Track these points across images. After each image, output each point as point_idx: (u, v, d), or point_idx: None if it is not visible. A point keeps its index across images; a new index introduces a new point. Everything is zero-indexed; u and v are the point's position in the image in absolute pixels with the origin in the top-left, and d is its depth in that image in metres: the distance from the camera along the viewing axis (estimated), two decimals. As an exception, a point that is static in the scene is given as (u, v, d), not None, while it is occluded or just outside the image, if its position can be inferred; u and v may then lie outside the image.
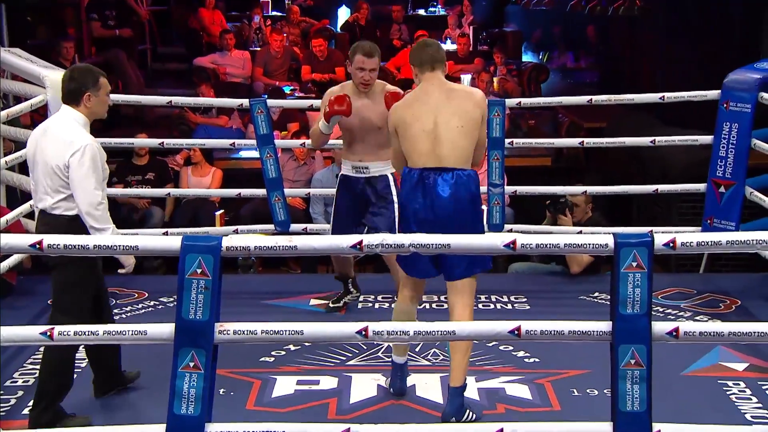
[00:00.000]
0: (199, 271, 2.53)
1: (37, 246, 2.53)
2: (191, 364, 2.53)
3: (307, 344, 4.60)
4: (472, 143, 3.68)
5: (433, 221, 3.60)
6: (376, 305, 5.25)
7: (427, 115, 3.66)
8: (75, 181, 3.49)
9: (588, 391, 4.06)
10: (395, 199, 4.53)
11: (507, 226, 5.73)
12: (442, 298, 5.27)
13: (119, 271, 3.69)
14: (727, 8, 7.83)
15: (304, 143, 6.29)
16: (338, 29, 11.47)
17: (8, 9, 7.40)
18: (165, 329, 2.59)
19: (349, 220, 4.63)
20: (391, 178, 4.57)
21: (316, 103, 6.85)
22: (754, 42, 7.20)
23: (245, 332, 2.61)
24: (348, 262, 5.01)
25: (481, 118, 3.70)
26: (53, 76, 5.19)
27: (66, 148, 3.51)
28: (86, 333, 2.67)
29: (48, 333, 2.59)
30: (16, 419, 3.74)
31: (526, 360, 4.48)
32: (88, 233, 3.46)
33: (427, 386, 4.16)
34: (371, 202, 4.60)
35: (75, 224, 3.53)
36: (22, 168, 4.92)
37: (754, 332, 2.59)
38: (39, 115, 5.45)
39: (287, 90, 8.85)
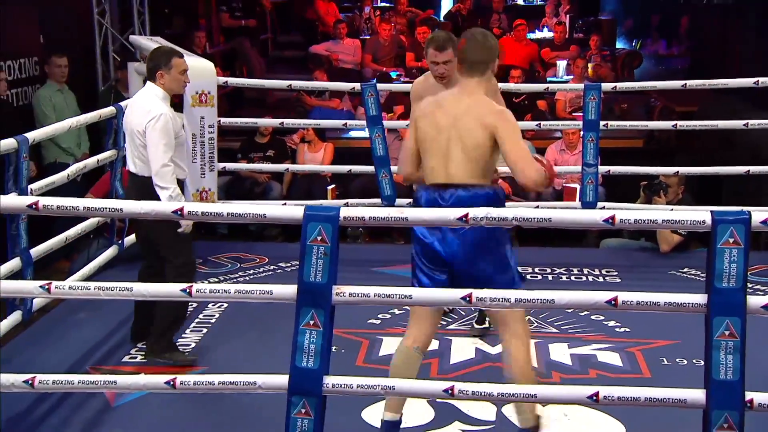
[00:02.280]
0: (319, 238, 2.55)
1: (34, 206, 2.59)
2: (311, 322, 2.57)
3: (408, 308, 4.61)
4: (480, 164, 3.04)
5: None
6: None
7: (440, 128, 3.07)
8: (149, 143, 3.73)
9: (677, 360, 3.95)
10: None
11: (599, 204, 5.60)
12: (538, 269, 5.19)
13: (178, 230, 3.83)
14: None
15: (409, 124, 6.27)
16: (442, 19, 11.37)
17: (149, 1, 7.63)
18: (288, 290, 2.63)
19: None
20: None
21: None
22: None
23: (360, 295, 2.63)
24: None
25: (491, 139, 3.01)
26: (188, 62, 5.31)
27: (144, 116, 3.76)
28: (219, 291, 2.73)
29: (188, 290, 2.67)
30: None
31: (617, 329, 4.39)
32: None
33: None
34: None
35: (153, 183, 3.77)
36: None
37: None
38: (176, 97, 5.62)
39: (394, 75, 8.83)
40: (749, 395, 2.49)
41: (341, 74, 8.52)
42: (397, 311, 4.63)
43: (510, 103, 7.92)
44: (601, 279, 5.22)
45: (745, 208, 2.59)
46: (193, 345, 4.21)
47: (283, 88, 6.49)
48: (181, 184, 3.89)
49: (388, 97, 8.07)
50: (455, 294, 2.67)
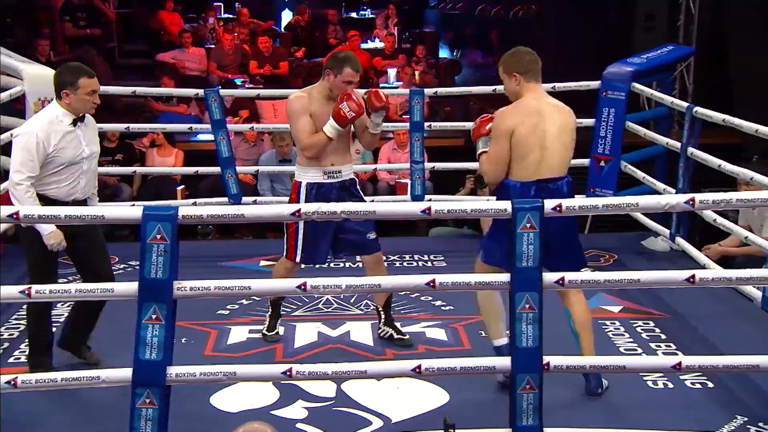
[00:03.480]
0: (158, 236, 2.49)
1: (14, 216, 2.44)
2: (153, 317, 2.49)
3: (257, 299, 4.58)
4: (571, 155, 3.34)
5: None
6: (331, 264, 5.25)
7: (542, 131, 3.23)
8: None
9: (479, 332, 4.12)
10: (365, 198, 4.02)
11: (427, 197, 5.77)
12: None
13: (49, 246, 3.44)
14: (605, 10, 7.96)
15: (252, 127, 6.24)
16: (282, 29, 11.31)
17: (-11, 11, 7.10)
18: (130, 287, 2.54)
19: (326, 230, 3.82)
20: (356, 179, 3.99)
21: (263, 92, 6.81)
22: (627, 39, 7.33)
23: (200, 288, 2.58)
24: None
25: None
26: (30, 69, 5.03)
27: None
28: (60, 291, 2.59)
29: (26, 292, 2.51)
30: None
31: (443, 308, 4.53)
32: None
33: (360, 331, 4.19)
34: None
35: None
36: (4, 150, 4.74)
37: (624, 279, 2.66)
38: (18, 104, 5.25)
39: (238, 81, 8.70)
40: (546, 359, 2.65)
41: (187, 81, 8.29)
42: (245, 302, 4.57)
43: (346, 107, 8.07)
44: (429, 264, 5.38)
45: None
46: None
47: (128, 94, 6.23)
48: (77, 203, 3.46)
49: (233, 102, 7.95)
50: (291, 283, 2.67)
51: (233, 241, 6.52)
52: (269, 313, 4.08)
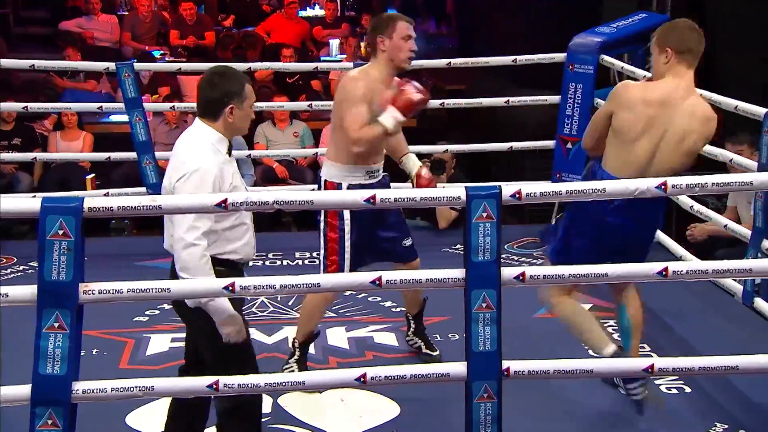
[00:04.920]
0: (60, 232, 2.43)
1: None
2: (56, 325, 2.44)
3: (181, 303, 4.52)
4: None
5: (626, 240, 3.14)
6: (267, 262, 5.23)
7: (662, 130, 3.03)
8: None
9: (449, 335, 4.16)
10: None
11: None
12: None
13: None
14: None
15: (174, 106, 6.16)
16: (207, -6, 11.16)
17: None
18: (27, 291, 2.49)
19: (370, 240, 3.65)
20: None
21: (186, 66, 6.72)
22: (596, 5, 7.44)
23: (111, 291, 2.53)
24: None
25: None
26: None
27: (176, 170, 2.78)
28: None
29: None
30: None
31: (393, 309, 4.55)
32: None
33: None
34: (382, 211, 3.59)
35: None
36: None
37: (591, 273, 2.71)
38: None
39: (157, 54, 8.57)
40: (506, 364, 2.68)
41: (97, 53, 8.12)
42: (167, 306, 4.51)
43: (283, 84, 8.04)
44: (378, 259, 5.40)
45: (507, 183, 2.77)
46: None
47: (26, 69, 6.10)
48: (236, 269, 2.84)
49: (152, 77, 7.83)
50: (217, 284, 2.65)
51: (154, 237, 6.42)
52: (295, 358, 3.70)
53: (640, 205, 2.95)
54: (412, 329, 3.98)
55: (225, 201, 2.57)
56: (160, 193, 5.32)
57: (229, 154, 2.86)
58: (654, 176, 2.86)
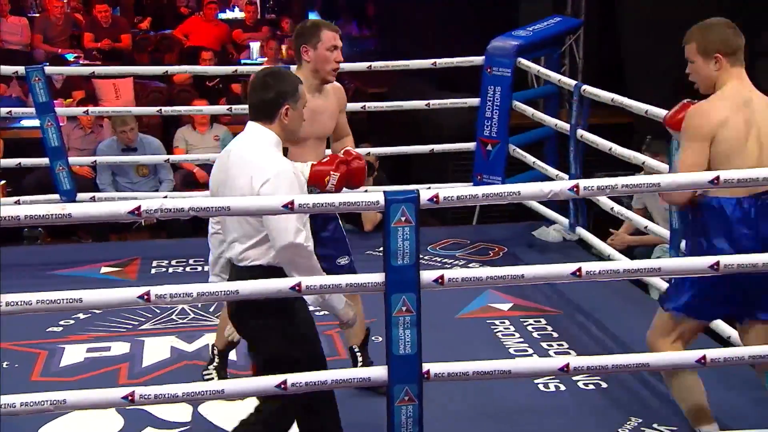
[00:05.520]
0: (-36, 243, 2.35)
1: None
2: (-40, 340, 2.36)
3: (97, 312, 4.43)
4: None
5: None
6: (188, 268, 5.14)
7: (756, 128, 2.81)
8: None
9: (373, 338, 4.17)
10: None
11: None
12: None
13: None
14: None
15: (87, 110, 6.03)
16: (123, -4, 10.94)
17: None
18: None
19: None
20: None
21: (99, 70, 6.58)
22: (513, 9, 7.56)
23: (19, 303, 2.45)
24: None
25: None
26: None
27: (257, 175, 2.66)
28: None
29: None
30: None
31: (316, 314, 4.52)
32: None
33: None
34: (318, 227, 3.28)
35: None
36: None
37: (508, 275, 2.74)
38: None
39: (70, 57, 8.35)
40: (426, 366, 2.70)
41: (6, 57, 7.86)
42: (82, 316, 4.41)
43: (203, 87, 7.93)
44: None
45: (426, 186, 2.78)
46: None
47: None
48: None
49: (65, 81, 7.63)
50: (131, 293, 2.59)
51: (69, 245, 6.27)
52: (215, 365, 3.63)
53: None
54: (359, 363, 3.68)
55: (138, 209, 2.51)
56: (75, 200, 5.34)
57: None
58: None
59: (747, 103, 2.81)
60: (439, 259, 5.33)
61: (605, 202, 4.78)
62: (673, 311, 2.92)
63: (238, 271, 2.75)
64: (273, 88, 2.71)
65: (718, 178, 2.65)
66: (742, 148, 2.78)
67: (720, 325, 3.59)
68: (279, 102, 2.71)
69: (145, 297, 2.57)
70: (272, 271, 2.71)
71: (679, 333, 2.93)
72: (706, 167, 2.76)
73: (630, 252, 4.92)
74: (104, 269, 5.17)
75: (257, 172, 2.64)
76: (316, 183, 3.17)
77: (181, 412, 3.45)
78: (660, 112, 4.12)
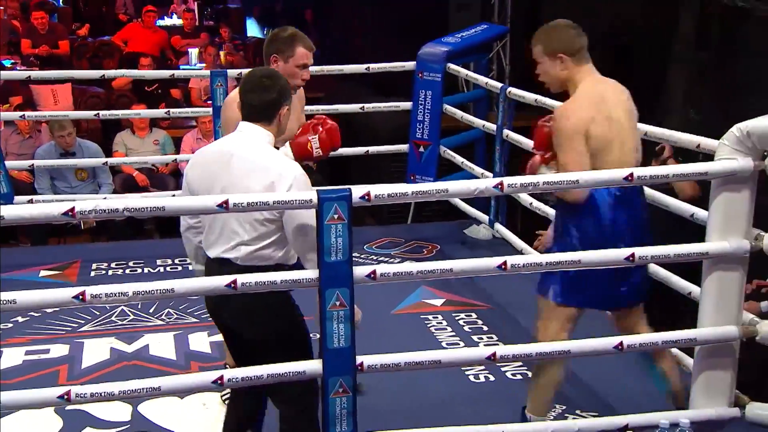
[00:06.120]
0: None
1: None
2: None
3: (36, 314, 4.34)
4: None
5: (633, 236, 2.91)
6: (127, 270, 5.05)
7: (617, 120, 2.88)
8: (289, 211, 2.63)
9: (313, 334, 4.17)
10: None
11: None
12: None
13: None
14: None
15: (24, 115, 5.89)
16: (60, 3, 10.72)
17: None
18: None
19: None
20: None
21: (36, 74, 6.44)
22: (443, 16, 7.62)
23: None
24: None
25: None
26: None
27: (267, 176, 2.61)
28: None
29: None
30: None
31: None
32: None
33: (161, 344, 4.08)
34: None
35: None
36: None
37: (437, 269, 2.77)
38: None
39: (7, 63, 8.14)
40: (360, 359, 2.71)
41: (-58, 62, 7.66)
42: (20, 319, 4.30)
43: (142, 92, 7.80)
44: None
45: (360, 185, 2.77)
46: None
47: None
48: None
49: (2, 87, 7.43)
50: (66, 293, 2.54)
51: (7, 248, 6.10)
52: None
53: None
54: None
55: (72, 210, 2.47)
56: (12, 203, 5.20)
57: None
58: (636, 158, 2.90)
59: (603, 99, 2.88)
60: (375, 257, 5.35)
61: (525, 198, 4.84)
62: (565, 304, 2.99)
63: (238, 270, 2.68)
64: (273, 89, 2.66)
65: (632, 175, 2.74)
66: (608, 143, 2.84)
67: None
68: (280, 103, 2.67)
69: (81, 297, 2.52)
70: (279, 267, 2.71)
71: (562, 321, 3.00)
72: (589, 162, 2.82)
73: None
74: (43, 272, 5.05)
75: (277, 178, 2.59)
76: (301, 155, 3.13)
77: (121, 412, 3.41)
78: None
